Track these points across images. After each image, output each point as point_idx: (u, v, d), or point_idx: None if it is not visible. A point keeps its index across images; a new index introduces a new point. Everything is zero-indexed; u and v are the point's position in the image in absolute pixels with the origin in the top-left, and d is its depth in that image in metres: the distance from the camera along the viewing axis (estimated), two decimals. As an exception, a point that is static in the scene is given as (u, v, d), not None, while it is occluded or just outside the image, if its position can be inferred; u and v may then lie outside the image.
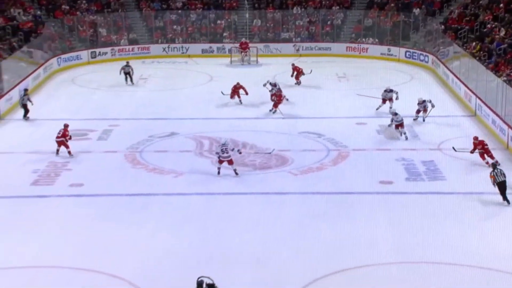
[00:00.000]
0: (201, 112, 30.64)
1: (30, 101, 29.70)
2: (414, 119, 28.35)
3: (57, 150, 24.50)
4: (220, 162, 22.34)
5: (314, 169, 23.79)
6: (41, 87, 35.47)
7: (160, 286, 15.89)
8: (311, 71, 34.85)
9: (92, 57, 41.03)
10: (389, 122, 26.87)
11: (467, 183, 22.58)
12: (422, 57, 39.45)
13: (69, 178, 23.06)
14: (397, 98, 29.38)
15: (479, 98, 29.37)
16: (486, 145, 23.14)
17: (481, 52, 33.87)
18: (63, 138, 24.37)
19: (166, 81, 37.23)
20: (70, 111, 30.43)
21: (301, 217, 19.49)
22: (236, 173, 22.43)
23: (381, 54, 41.40)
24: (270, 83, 31.14)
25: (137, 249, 17.81)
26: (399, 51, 40.83)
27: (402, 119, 25.93)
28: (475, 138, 23.24)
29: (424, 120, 28.27)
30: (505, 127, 25.61)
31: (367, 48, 41.94)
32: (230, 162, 22.26)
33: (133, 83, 35.42)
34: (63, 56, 39.69)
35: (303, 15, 43.99)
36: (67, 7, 42.93)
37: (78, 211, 20.10)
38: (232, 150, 22.54)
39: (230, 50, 41.20)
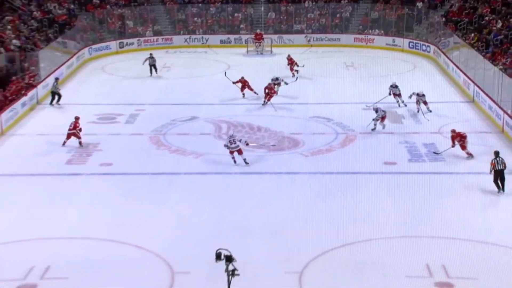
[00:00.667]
0: (219, 97, 30.66)
1: (59, 89, 29.81)
2: (417, 111, 27.58)
3: (64, 142, 23.88)
4: (231, 153, 21.71)
5: (323, 151, 23.79)
6: (74, 75, 35.55)
7: (182, 256, 16.02)
8: (303, 65, 34.29)
9: (120, 47, 41.05)
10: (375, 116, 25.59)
11: (465, 163, 22.52)
12: (424, 48, 39.21)
13: (99, 158, 23.27)
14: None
15: (477, 86, 29.32)
16: (464, 135, 22.59)
17: (479, 43, 33.76)
18: (74, 130, 23.64)
19: (188, 69, 37.22)
20: (100, 96, 30.60)
21: (311, 195, 19.58)
22: (246, 163, 21.91)
23: (386, 44, 41.16)
24: (272, 80, 30.24)
25: (162, 223, 18.01)
26: (403, 42, 40.61)
27: (384, 113, 25.15)
28: (453, 131, 22.78)
29: (430, 111, 27.46)
30: (500, 112, 25.61)
31: (373, 39, 41.72)
32: (240, 152, 21.73)
33: (157, 73, 34.91)
34: (93, 46, 39.79)
35: (314, 8, 43.79)
36: (98, 1, 42.95)
37: (108, 188, 20.29)
38: (240, 141, 22.09)
39: (246, 41, 41.12)
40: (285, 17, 43.80)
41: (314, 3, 43.93)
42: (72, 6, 42.10)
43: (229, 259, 11.84)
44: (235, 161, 21.84)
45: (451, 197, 19.88)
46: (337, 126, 26.52)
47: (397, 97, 28.55)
